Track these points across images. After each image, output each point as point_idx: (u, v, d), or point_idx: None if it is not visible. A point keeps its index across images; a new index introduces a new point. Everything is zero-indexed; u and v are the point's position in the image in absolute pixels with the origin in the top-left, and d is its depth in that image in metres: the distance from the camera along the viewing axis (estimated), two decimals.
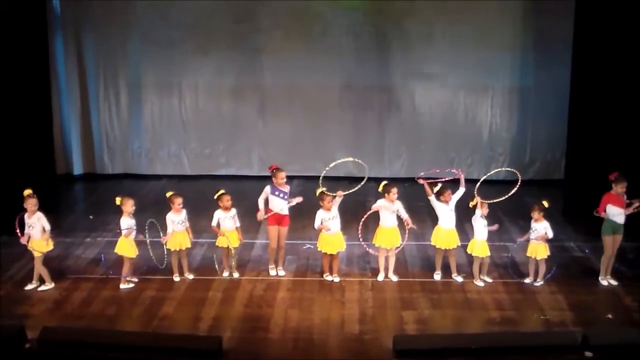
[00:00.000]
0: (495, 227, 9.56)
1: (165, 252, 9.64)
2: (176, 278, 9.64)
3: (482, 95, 14.77)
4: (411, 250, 10.59)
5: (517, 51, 14.48)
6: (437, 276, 9.72)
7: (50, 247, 9.38)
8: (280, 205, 9.69)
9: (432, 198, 9.53)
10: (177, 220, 9.58)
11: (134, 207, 9.38)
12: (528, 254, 9.54)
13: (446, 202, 9.51)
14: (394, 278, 9.67)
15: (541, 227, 9.37)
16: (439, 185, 9.61)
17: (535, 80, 14.51)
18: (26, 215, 9.26)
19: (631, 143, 11.08)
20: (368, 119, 14.93)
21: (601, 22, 11.19)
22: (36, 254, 9.25)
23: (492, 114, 14.85)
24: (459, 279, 9.63)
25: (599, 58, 11.29)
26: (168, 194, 9.68)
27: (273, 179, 9.70)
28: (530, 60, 14.45)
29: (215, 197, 9.68)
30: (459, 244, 9.71)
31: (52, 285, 9.34)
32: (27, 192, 9.20)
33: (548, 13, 14.03)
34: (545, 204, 9.39)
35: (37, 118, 11.98)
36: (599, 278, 9.59)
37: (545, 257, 9.44)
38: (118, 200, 9.35)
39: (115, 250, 9.48)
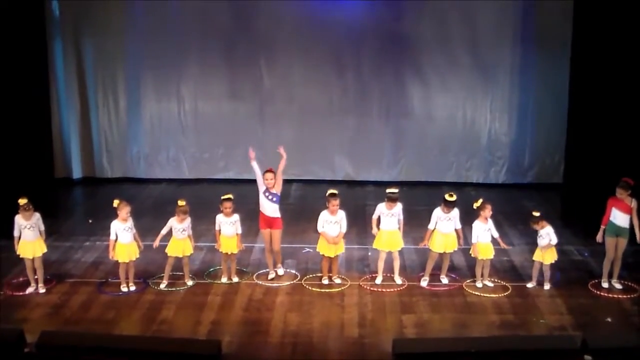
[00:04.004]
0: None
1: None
2: (179, 283, 9.61)
3: (481, 99, 14.76)
4: (410, 254, 10.59)
5: (516, 55, 14.48)
6: (424, 282, 9.71)
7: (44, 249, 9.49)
8: (270, 208, 9.66)
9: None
10: (178, 227, 9.55)
11: (128, 214, 9.36)
12: (535, 259, 9.52)
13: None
14: (399, 281, 9.66)
15: (545, 233, 9.36)
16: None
17: (534, 84, 14.52)
18: (22, 219, 9.24)
19: (630, 147, 11.08)
20: (367, 124, 14.92)
21: (600, 27, 11.20)
22: (38, 255, 9.30)
23: (491, 118, 14.84)
24: (445, 280, 9.69)
25: (598, 62, 11.29)
26: (181, 202, 9.49)
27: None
28: (529, 64, 14.45)
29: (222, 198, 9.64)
30: (456, 248, 9.73)
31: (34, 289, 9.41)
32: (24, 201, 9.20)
33: (547, 16, 14.04)
34: (535, 213, 9.41)
35: (36, 122, 11.97)
36: (601, 281, 9.59)
37: (553, 261, 9.44)
38: (115, 203, 9.35)
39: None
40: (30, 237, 9.28)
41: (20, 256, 9.35)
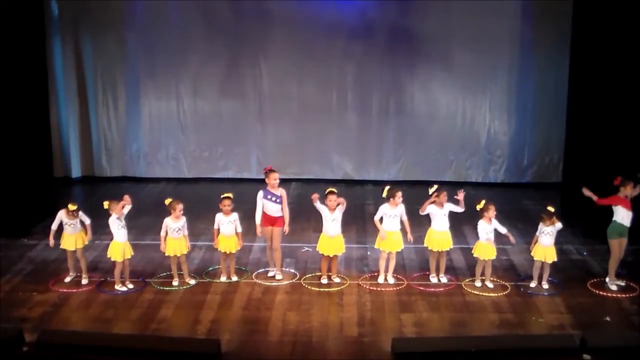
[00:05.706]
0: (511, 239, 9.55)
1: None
2: (175, 283, 9.60)
3: (481, 98, 14.75)
4: (409, 253, 10.58)
5: (515, 54, 14.49)
6: (433, 279, 9.74)
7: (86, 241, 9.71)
8: (273, 209, 9.67)
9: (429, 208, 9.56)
10: (174, 227, 9.52)
11: (122, 210, 9.36)
12: (537, 258, 9.48)
13: (441, 204, 9.52)
14: (391, 280, 9.68)
15: (551, 231, 9.32)
16: (435, 186, 9.61)
17: (534, 83, 14.52)
18: (65, 217, 9.44)
19: (629, 146, 11.07)
20: (367, 122, 14.92)
21: (599, 25, 11.20)
22: (79, 246, 9.54)
23: (490, 117, 14.84)
24: (444, 279, 9.69)
25: (597, 61, 11.28)
26: (167, 201, 9.56)
27: (266, 180, 9.70)
28: (528, 62, 14.44)
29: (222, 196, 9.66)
30: (452, 246, 9.73)
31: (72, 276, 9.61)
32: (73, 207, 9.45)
33: (546, 16, 14.04)
34: (551, 208, 9.39)
35: (35, 121, 11.97)
36: (607, 282, 9.53)
37: (555, 259, 9.44)
38: (106, 204, 9.35)
39: (108, 254, 9.47)
40: (70, 232, 9.51)
41: (62, 248, 9.54)
